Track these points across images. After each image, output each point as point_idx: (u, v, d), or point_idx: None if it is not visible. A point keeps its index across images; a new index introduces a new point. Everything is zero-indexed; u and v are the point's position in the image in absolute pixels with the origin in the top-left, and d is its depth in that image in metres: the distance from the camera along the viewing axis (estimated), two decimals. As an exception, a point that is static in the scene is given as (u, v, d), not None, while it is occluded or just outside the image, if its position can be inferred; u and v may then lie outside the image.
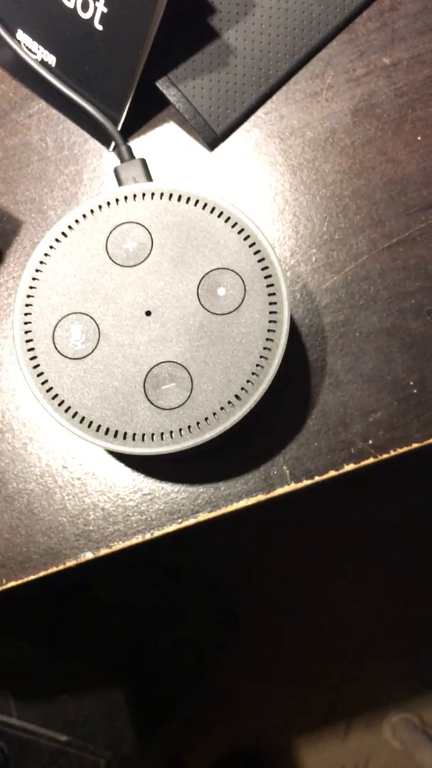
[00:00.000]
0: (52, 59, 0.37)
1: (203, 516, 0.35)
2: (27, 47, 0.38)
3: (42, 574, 0.35)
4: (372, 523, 1.09)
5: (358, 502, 1.08)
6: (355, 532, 1.09)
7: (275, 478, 0.35)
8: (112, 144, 0.38)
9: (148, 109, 0.38)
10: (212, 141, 0.37)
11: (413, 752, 1.07)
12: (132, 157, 0.36)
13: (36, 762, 0.58)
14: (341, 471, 0.35)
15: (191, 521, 0.35)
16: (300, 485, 0.35)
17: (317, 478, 0.35)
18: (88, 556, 0.35)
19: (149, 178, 0.35)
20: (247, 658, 1.08)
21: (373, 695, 1.10)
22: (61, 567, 0.35)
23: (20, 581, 0.35)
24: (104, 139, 0.38)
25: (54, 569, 0.35)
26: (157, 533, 0.35)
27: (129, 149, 0.36)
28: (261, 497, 0.35)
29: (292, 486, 0.35)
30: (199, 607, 0.99)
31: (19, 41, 0.38)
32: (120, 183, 0.35)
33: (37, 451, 0.36)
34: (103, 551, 0.35)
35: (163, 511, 0.35)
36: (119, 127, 0.37)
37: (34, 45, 0.37)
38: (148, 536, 0.35)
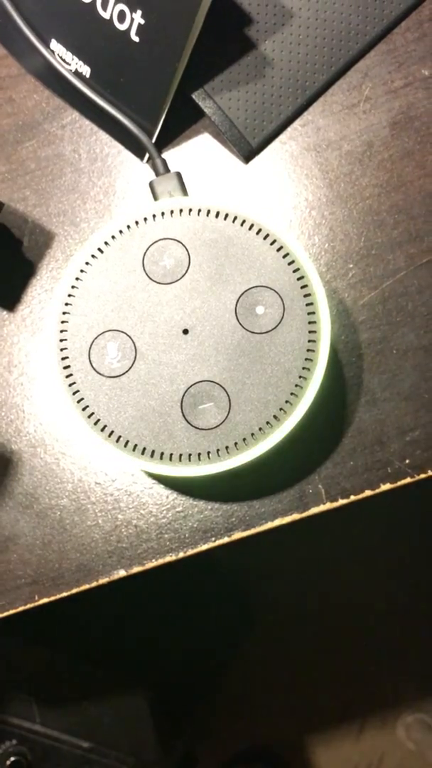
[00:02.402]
0: (86, 70, 0.36)
1: (237, 534, 0.35)
2: (61, 57, 0.37)
3: (74, 591, 0.35)
4: (388, 520, 1.09)
5: (374, 498, 1.07)
6: (371, 530, 1.09)
7: (310, 497, 0.35)
8: (146, 156, 0.37)
9: (182, 121, 0.37)
10: (248, 153, 0.37)
11: (427, 753, 1.08)
12: (167, 170, 0.35)
13: (59, 768, 0.58)
14: (377, 491, 0.35)
15: (225, 540, 0.35)
16: (335, 504, 0.35)
17: (353, 498, 0.35)
18: (121, 573, 0.35)
19: (185, 192, 0.35)
20: (262, 656, 1.09)
21: (388, 695, 1.10)
22: (94, 584, 0.35)
23: (52, 598, 0.35)
24: (138, 151, 0.37)
25: (86, 586, 0.35)
26: (190, 551, 0.35)
27: (164, 162, 0.35)
28: (296, 516, 0.35)
29: (328, 505, 0.35)
30: (213, 606, 0.99)
31: (53, 51, 0.37)
32: (155, 197, 0.34)
33: (70, 467, 0.36)
34: (136, 569, 0.35)
35: (196, 529, 0.35)
36: (154, 140, 0.36)
37: (68, 55, 0.37)
38: (181, 554, 0.35)
